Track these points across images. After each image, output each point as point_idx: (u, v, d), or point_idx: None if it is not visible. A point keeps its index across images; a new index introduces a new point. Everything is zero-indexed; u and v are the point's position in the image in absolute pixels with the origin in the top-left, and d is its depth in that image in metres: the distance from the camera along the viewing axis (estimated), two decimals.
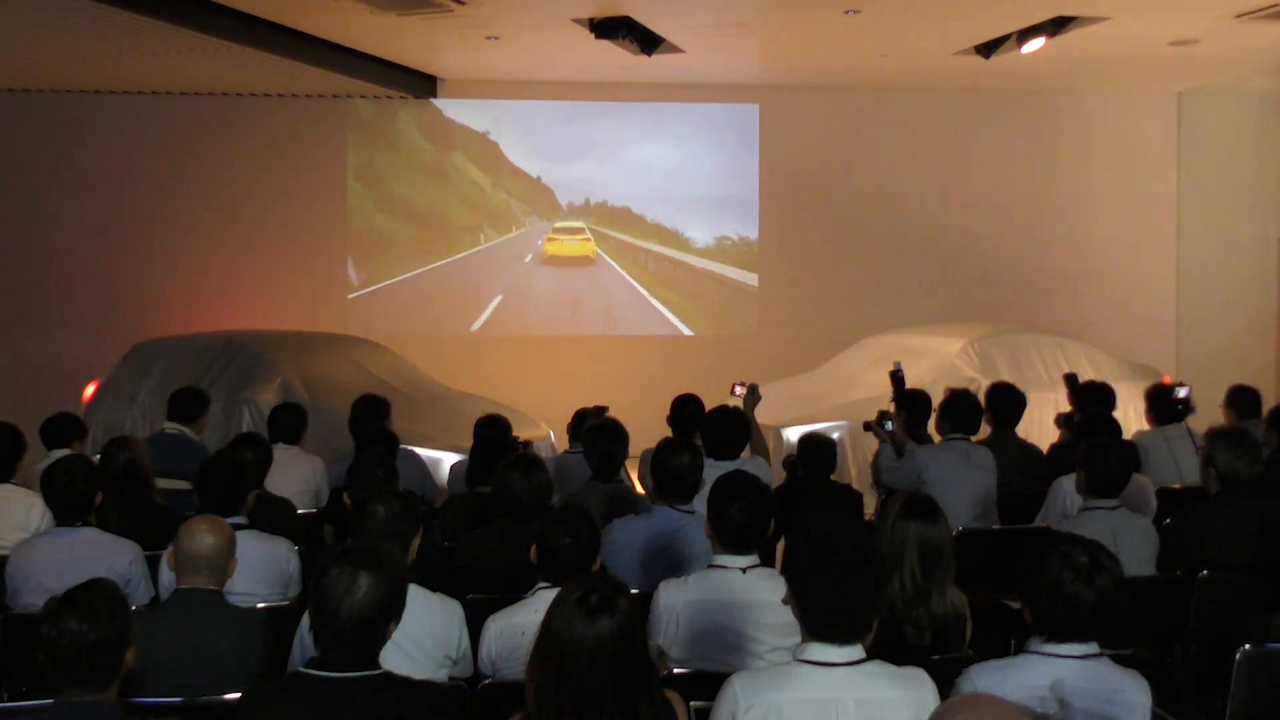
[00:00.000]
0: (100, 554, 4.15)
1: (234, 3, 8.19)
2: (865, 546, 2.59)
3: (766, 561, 3.59)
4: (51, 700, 2.69)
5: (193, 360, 8.26)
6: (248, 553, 3.84)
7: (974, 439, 5.63)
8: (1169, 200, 12.31)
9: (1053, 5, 8.44)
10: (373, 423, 6.03)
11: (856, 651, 2.57)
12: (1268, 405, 6.30)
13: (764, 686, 2.56)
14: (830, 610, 2.56)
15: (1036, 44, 9.15)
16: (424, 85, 11.36)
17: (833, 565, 2.54)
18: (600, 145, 11.93)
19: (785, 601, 2.65)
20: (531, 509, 4.15)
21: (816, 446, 5.48)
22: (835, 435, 6.67)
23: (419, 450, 6.62)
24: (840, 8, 8.41)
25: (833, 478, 5.63)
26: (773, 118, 11.98)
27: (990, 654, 3.06)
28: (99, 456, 5.13)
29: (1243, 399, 6.40)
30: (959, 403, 5.67)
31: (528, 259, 11.91)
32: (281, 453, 5.64)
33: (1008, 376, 7.77)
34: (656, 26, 9.11)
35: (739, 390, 6.05)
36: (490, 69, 11.02)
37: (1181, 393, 6.05)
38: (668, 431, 5.46)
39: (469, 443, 5.50)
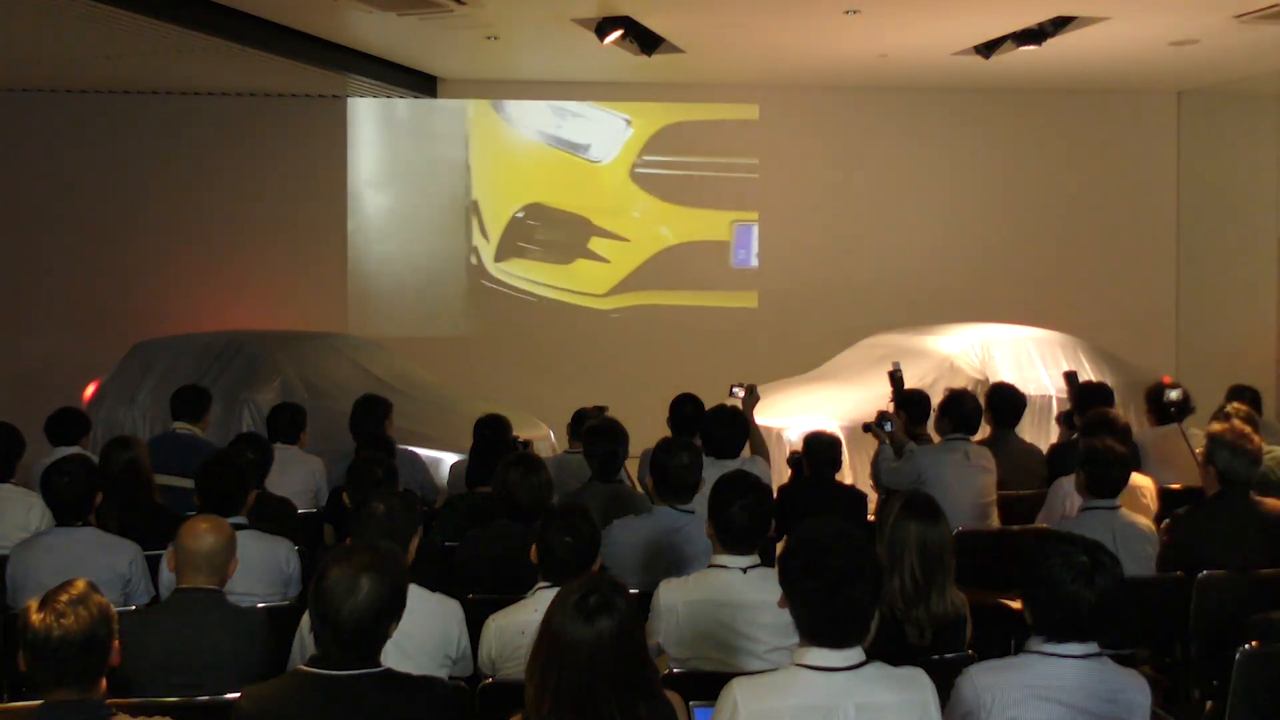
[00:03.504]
0: (100, 554, 4.15)
1: (234, 3, 8.19)
2: (859, 551, 2.57)
3: (767, 562, 3.59)
4: (40, 701, 2.69)
5: (193, 360, 8.26)
6: (248, 553, 3.84)
7: (974, 439, 5.63)
8: (1169, 200, 12.32)
9: (1053, 5, 8.44)
10: (373, 423, 6.02)
11: (856, 655, 2.56)
12: (1268, 405, 6.30)
13: (764, 693, 2.56)
14: (825, 616, 2.55)
15: (1033, 45, 9.16)
16: (424, 85, 11.36)
17: (826, 571, 2.53)
18: (602, 142, 11.95)
19: (781, 605, 2.65)
20: (531, 509, 4.15)
21: (821, 445, 5.48)
22: (836, 435, 6.66)
23: (419, 450, 6.62)
24: (840, 8, 8.41)
25: (835, 477, 5.63)
26: (773, 118, 11.98)
27: (990, 654, 3.06)
28: (99, 456, 5.13)
29: (1242, 399, 6.39)
30: (959, 403, 5.67)
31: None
32: (281, 453, 5.64)
33: (1008, 376, 7.78)
34: (656, 26, 9.12)
35: (738, 391, 6.05)
36: (490, 69, 11.02)
37: (1172, 394, 6.04)
38: (668, 431, 5.46)
39: (469, 443, 5.50)
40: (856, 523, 5.20)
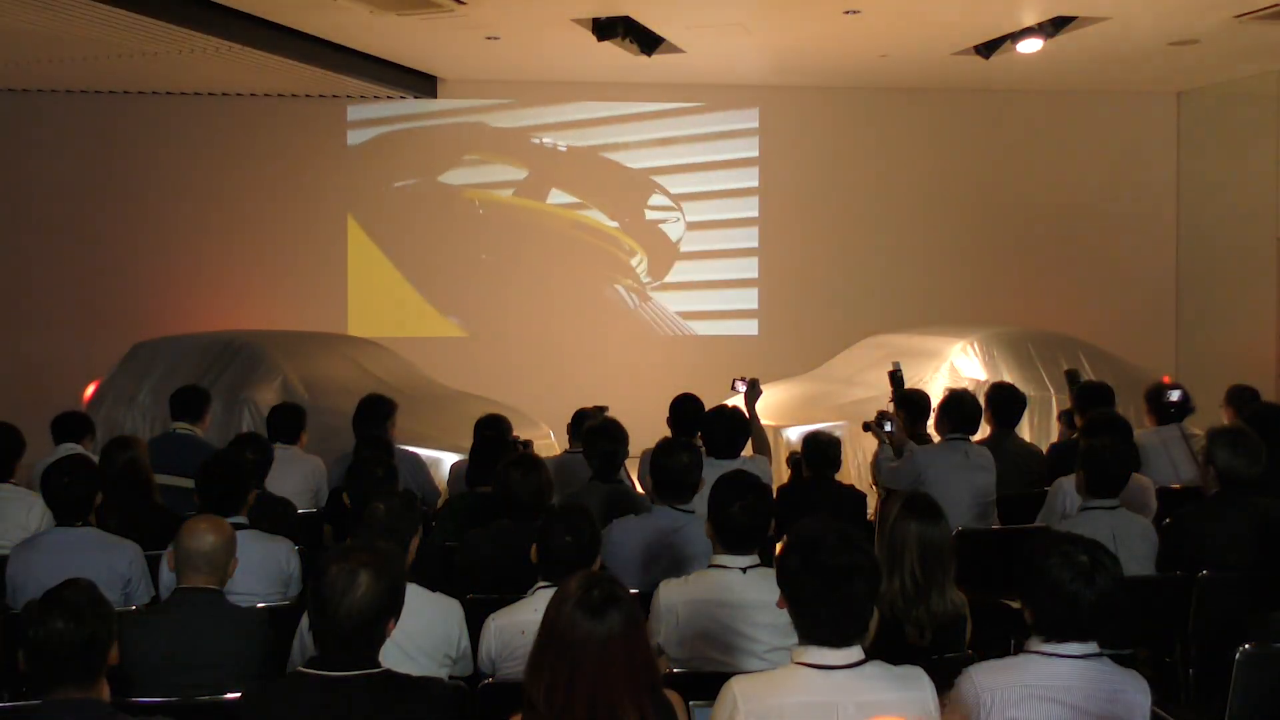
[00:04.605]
0: (100, 554, 4.14)
1: (234, 3, 8.19)
2: (856, 548, 2.57)
3: (767, 561, 3.59)
4: (40, 701, 2.69)
5: (193, 360, 8.26)
6: (248, 553, 3.84)
7: (974, 439, 5.63)
8: (1169, 200, 12.32)
9: (1053, 5, 8.44)
10: (373, 423, 6.02)
11: (855, 653, 2.56)
12: None
13: (763, 691, 2.56)
14: (823, 614, 2.55)
15: (1033, 45, 9.19)
16: (424, 85, 11.37)
17: (823, 570, 2.53)
18: (603, 141, 11.94)
19: (780, 605, 2.65)
20: (531, 509, 4.15)
21: (821, 445, 5.47)
22: (836, 435, 6.66)
23: (419, 450, 6.62)
24: (840, 8, 8.41)
25: (835, 477, 5.62)
26: (773, 118, 11.99)
27: (990, 654, 3.06)
28: (99, 456, 5.13)
29: (1242, 399, 6.39)
30: (959, 403, 5.66)
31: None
32: (281, 453, 5.64)
33: (1008, 376, 7.78)
34: (656, 26, 9.12)
35: (740, 386, 6.01)
36: (490, 69, 11.02)
37: (1173, 395, 6.04)
38: (668, 431, 5.46)
39: (469, 443, 5.50)
40: (856, 523, 5.20)
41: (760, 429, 5.71)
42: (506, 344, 11.76)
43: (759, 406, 5.98)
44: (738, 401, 5.80)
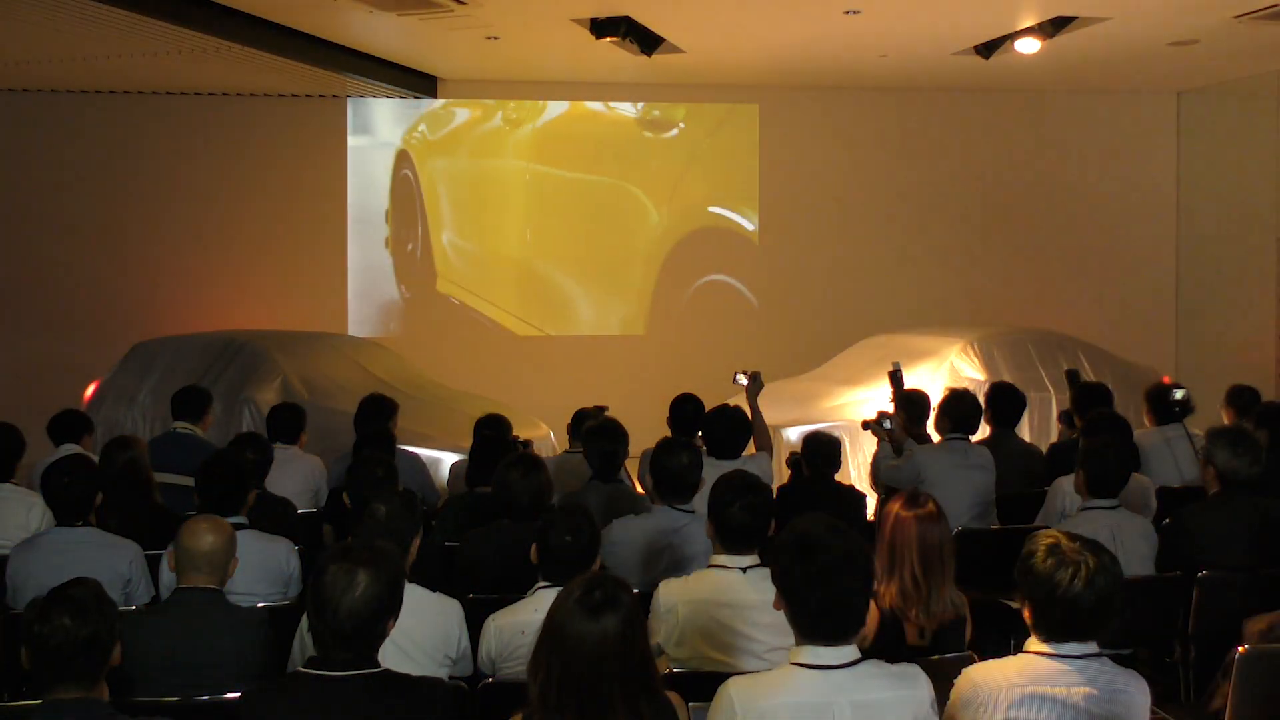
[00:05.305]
0: (100, 554, 4.14)
1: (234, 3, 8.20)
2: (848, 541, 2.59)
3: (767, 561, 3.59)
4: (40, 700, 2.69)
5: (193, 360, 8.26)
6: (248, 553, 3.84)
7: (974, 439, 5.62)
8: (1169, 200, 12.32)
9: (1053, 5, 8.45)
10: (374, 422, 6.02)
11: (851, 652, 2.57)
12: None
13: (760, 692, 2.56)
14: (818, 610, 2.55)
15: (1032, 45, 9.19)
16: (424, 85, 11.37)
17: (816, 564, 2.54)
18: (604, 140, 11.94)
19: (776, 605, 2.65)
20: (531, 509, 4.15)
21: (821, 445, 5.47)
22: (836, 435, 6.64)
23: (419, 450, 6.62)
24: (840, 8, 8.42)
25: (835, 477, 5.61)
26: (773, 118, 11.98)
27: (990, 654, 3.06)
28: (99, 456, 5.13)
29: (1242, 399, 6.39)
30: (959, 403, 5.66)
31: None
32: (281, 453, 5.64)
33: (1008, 376, 7.78)
34: (656, 26, 9.12)
35: (740, 379, 5.95)
36: (490, 69, 11.02)
37: (1178, 394, 6.05)
38: (668, 431, 5.45)
39: (469, 443, 5.50)
40: (856, 523, 5.20)
41: (762, 423, 5.64)
42: (507, 344, 11.76)
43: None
44: (739, 395, 5.79)
